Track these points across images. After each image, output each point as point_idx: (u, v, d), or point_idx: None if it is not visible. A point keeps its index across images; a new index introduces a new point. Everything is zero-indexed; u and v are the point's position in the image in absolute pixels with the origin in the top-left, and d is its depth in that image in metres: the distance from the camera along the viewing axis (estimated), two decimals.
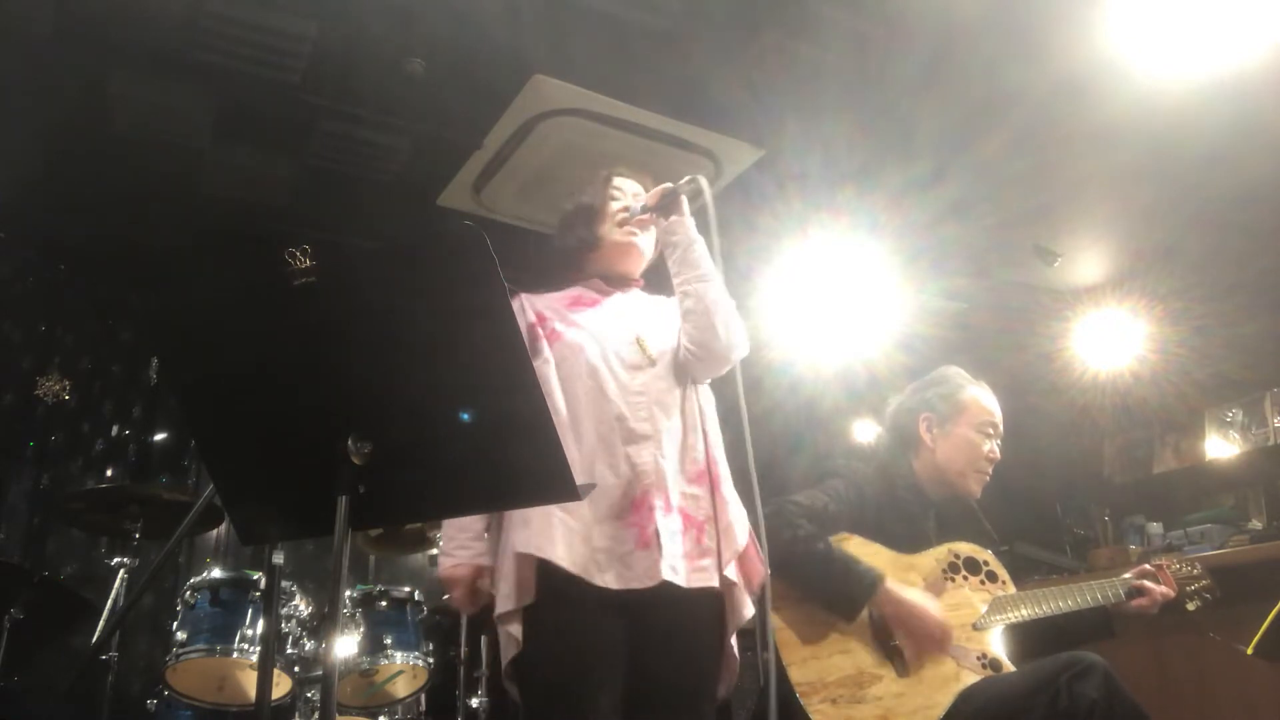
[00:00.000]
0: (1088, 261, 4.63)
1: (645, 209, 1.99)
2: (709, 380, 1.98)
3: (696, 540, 1.78)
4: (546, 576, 1.70)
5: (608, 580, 1.70)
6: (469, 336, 1.24)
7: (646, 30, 3.12)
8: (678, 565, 1.72)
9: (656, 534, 1.72)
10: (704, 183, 1.91)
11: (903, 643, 2.13)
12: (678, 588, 1.71)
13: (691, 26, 3.10)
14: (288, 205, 4.04)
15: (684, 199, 1.95)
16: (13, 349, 4.18)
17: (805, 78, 3.32)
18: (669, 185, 1.96)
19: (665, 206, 1.96)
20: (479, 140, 3.68)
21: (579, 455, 1.75)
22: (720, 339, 1.88)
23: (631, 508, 1.75)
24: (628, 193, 2.07)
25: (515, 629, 1.72)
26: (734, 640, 1.87)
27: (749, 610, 1.85)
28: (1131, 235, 4.39)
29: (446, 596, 1.75)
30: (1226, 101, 3.32)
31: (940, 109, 3.47)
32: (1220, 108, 3.34)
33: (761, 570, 1.87)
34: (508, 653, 1.75)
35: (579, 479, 1.67)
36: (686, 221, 1.94)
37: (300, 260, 1.21)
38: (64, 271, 4.34)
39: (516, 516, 1.75)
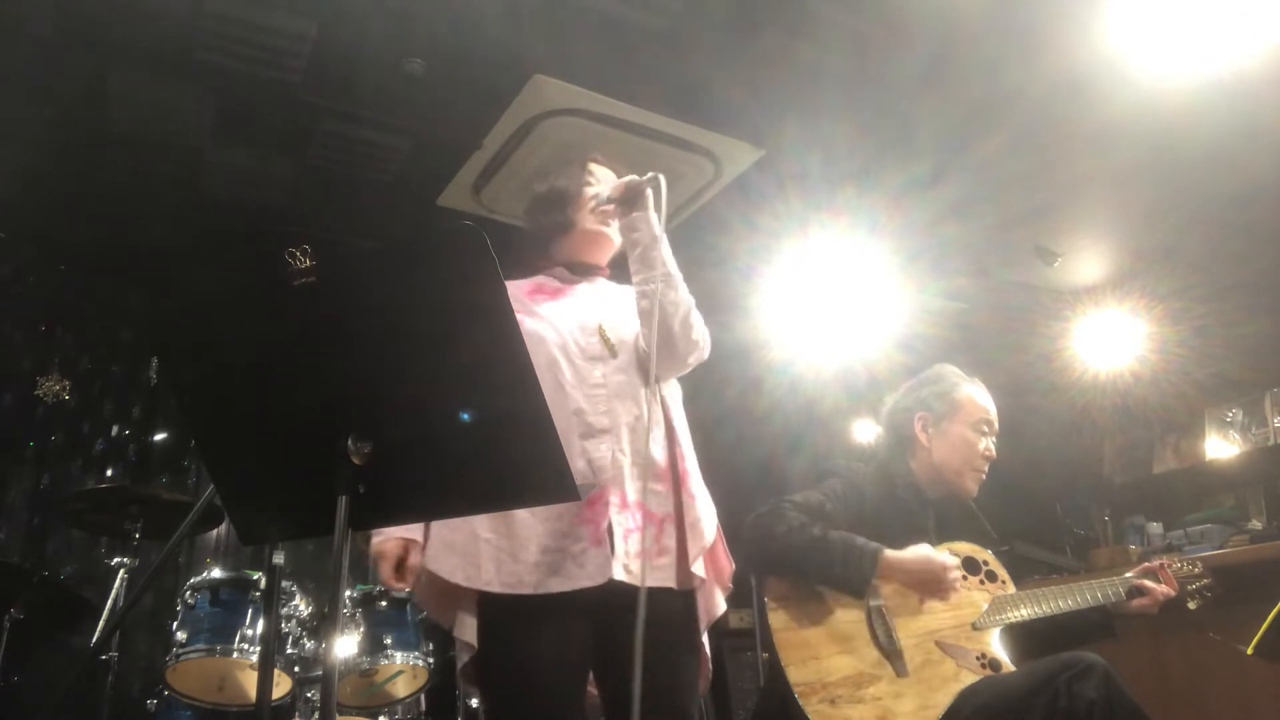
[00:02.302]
0: (1088, 261, 4.63)
1: (609, 199, 1.90)
2: (670, 378, 1.93)
3: (655, 537, 1.75)
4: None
5: (553, 585, 1.67)
6: (469, 336, 1.24)
7: (646, 30, 3.12)
8: (631, 564, 1.69)
9: (610, 531, 1.69)
10: (662, 181, 1.82)
11: (907, 617, 2.15)
12: (632, 586, 1.67)
13: (691, 26, 3.10)
14: (288, 205, 4.05)
15: (649, 194, 1.84)
16: (13, 349, 4.19)
17: (805, 78, 3.32)
18: (633, 178, 1.86)
19: (628, 200, 1.86)
20: (479, 140, 3.68)
21: None
22: (676, 343, 1.81)
23: (586, 504, 1.71)
24: (602, 180, 2.02)
25: (469, 635, 1.72)
26: (705, 638, 1.85)
27: (721, 606, 1.84)
28: (1131, 235, 4.39)
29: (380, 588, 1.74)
30: (1226, 101, 3.32)
31: (940, 109, 3.47)
32: (1220, 108, 3.35)
33: (729, 566, 1.87)
34: (461, 656, 1.75)
35: None
36: (649, 217, 1.83)
37: (300, 260, 1.21)
38: (64, 271, 4.35)
39: (438, 541, 1.75)
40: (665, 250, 1.83)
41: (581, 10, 3.02)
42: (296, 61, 3.20)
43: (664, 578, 1.74)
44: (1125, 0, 2.94)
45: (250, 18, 3.03)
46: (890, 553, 2.14)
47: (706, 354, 1.90)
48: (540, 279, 2.01)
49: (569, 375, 1.80)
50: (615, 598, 1.66)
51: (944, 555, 2.17)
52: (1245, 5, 2.92)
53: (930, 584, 2.16)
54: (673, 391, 1.94)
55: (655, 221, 1.82)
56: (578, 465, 1.72)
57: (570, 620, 1.69)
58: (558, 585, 1.67)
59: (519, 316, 1.83)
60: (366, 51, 3.18)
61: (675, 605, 1.77)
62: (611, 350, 1.84)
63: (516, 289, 1.95)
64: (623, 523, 1.72)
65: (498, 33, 3.06)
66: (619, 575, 1.67)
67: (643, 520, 1.74)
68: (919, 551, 2.16)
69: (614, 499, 1.72)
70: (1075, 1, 2.95)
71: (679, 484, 1.82)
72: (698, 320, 1.86)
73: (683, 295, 1.83)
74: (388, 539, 1.78)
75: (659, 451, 1.82)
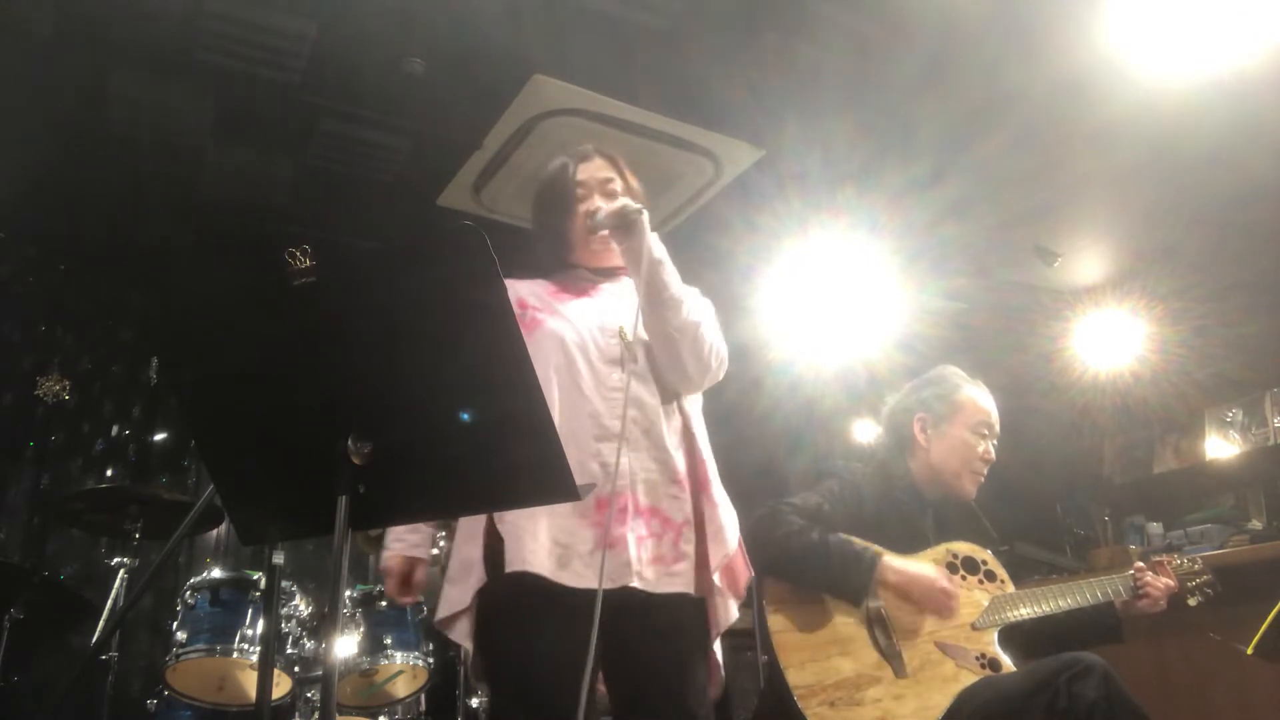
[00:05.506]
0: (1088, 261, 4.63)
1: (603, 226, 1.82)
2: (690, 394, 1.90)
3: (674, 544, 1.72)
4: (494, 579, 1.66)
5: (563, 578, 1.63)
6: (469, 336, 1.24)
7: (646, 30, 3.12)
8: (645, 570, 1.67)
9: (623, 537, 1.65)
10: (645, 217, 1.75)
11: (906, 618, 2.14)
12: (645, 592, 1.66)
13: (691, 26, 3.10)
14: (288, 205, 4.05)
15: (643, 219, 1.75)
16: (13, 349, 4.19)
17: (805, 78, 3.32)
18: (626, 205, 1.78)
19: (623, 227, 1.78)
20: (479, 140, 3.68)
21: None
22: (689, 368, 1.79)
23: (596, 507, 1.67)
24: (592, 186, 1.94)
25: (460, 635, 1.69)
26: (718, 646, 1.82)
27: (733, 615, 1.81)
28: (1131, 235, 4.39)
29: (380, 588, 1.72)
30: (1226, 101, 3.32)
31: (940, 109, 3.47)
32: (1220, 108, 3.34)
33: (747, 574, 1.84)
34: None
35: None
36: (644, 245, 1.73)
37: (300, 260, 1.21)
38: (64, 271, 4.35)
39: (464, 526, 1.73)
40: (669, 272, 1.77)
41: (581, 10, 3.02)
42: (296, 61, 3.20)
43: (682, 584, 1.71)
44: (1125, 0, 2.94)
45: (250, 18, 3.03)
46: (889, 561, 2.13)
47: (723, 370, 1.86)
48: (566, 277, 1.95)
49: (587, 377, 1.76)
50: (626, 603, 1.63)
51: (945, 580, 2.15)
52: (1245, 5, 2.92)
53: (927, 603, 2.15)
54: (692, 399, 1.90)
55: (652, 246, 1.75)
56: (591, 468, 1.69)
57: (574, 620, 1.60)
58: (567, 579, 1.63)
59: (542, 316, 1.82)
60: (366, 51, 3.18)
61: (689, 611, 1.75)
62: (632, 354, 1.80)
63: (541, 287, 1.91)
64: (635, 529, 1.68)
65: (498, 33, 3.06)
66: (634, 583, 1.64)
67: (661, 527, 1.71)
68: (922, 570, 2.14)
69: (628, 505, 1.69)
70: (1075, 1, 2.95)
71: (699, 490, 1.78)
72: (710, 339, 1.81)
73: (689, 317, 1.77)
74: (392, 555, 1.81)
75: (678, 457, 1.78)
